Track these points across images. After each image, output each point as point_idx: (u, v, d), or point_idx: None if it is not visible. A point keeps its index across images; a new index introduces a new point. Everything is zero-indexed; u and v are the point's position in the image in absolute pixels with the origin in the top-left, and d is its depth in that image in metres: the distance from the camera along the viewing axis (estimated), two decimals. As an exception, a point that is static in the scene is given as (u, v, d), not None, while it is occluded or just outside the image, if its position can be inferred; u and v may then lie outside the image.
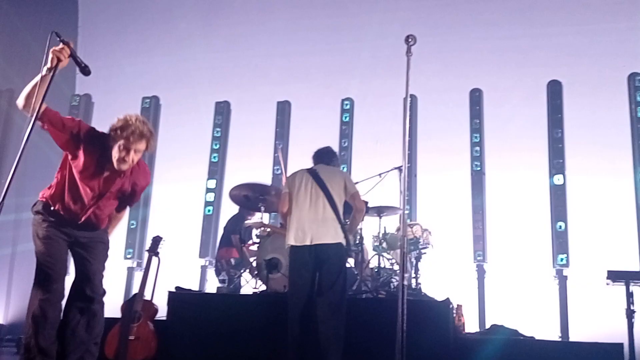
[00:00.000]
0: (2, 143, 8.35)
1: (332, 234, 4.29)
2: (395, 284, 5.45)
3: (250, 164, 7.83)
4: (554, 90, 7.13)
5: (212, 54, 8.45)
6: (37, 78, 2.97)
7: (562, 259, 6.63)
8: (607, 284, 5.29)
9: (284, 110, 8.10)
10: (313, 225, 4.29)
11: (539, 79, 7.20)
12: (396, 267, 5.80)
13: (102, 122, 7.67)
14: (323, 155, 4.77)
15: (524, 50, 7.39)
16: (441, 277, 6.11)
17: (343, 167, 7.47)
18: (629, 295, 5.12)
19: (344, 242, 4.36)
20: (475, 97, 7.40)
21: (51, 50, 2.87)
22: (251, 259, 5.67)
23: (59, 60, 2.90)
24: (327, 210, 4.34)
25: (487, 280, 6.85)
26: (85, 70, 3.01)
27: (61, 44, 2.88)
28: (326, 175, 4.54)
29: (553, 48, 7.20)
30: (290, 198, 4.53)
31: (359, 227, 5.29)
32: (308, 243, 4.26)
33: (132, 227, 7.98)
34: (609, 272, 5.25)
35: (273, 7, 8.45)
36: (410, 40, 3.44)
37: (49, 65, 2.90)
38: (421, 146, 7.36)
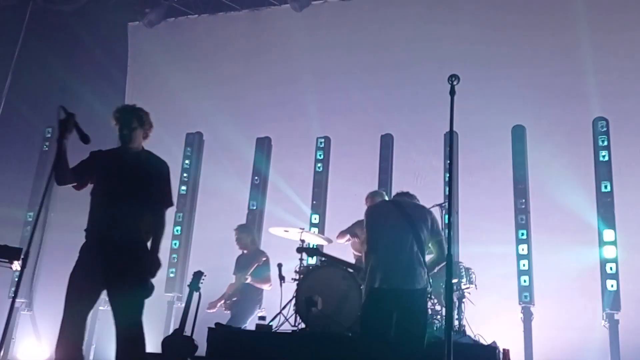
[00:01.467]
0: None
1: (419, 279, 3.93)
2: (438, 325, 5.30)
3: (289, 199, 7.87)
4: (599, 128, 6.95)
5: (253, 91, 8.62)
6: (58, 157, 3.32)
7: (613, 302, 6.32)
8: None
9: (323, 145, 8.16)
10: (399, 268, 3.92)
11: (583, 115, 7.05)
12: (438, 308, 5.66)
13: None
14: (409, 194, 4.46)
15: (568, 87, 7.27)
16: (485, 319, 5.90)
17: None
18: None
19: (429, 288, 4.04)
20: (518, 134, 7.28)
21: (59, 120, 3.29)
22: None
23: (66, 129, 3.31)
24: (415, 252, 3.97)
25: (535, 323, 6.58)
26: (86, 139, 3.36)
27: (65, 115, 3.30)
28: (413, 212, 4.19)
29: (598, 85, 7.05)
30: (370, 230, 4.18)
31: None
32: (391, 286, 3.90)
33: (173, 260, 8.07)
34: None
35: (312, 45, 8.60)
36: (453, 79, 3.45)
37: (58, 135, 3.32)
38: (463, 183, 7.25)
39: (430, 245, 4.14)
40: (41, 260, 7.45)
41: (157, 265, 3.43)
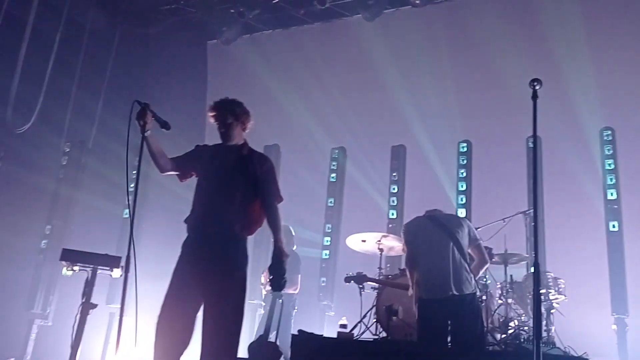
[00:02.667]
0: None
1: (467, 284, 4.07)
2: (525, 336, 5.14)
3: (366, 209, 7.88)
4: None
5: (328, 102, 8.74)
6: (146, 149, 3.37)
7: None
8: None
9: (399, 154, 8.12)
10: (445, 276, 4.07)
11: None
12: (525, 318, 5.49)
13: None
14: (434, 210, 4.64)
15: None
16: (576, 330, 5.65)
17: (461, 212, 7.29)
18: None
19: (477, 291, 4.16)
20: (606, 137, 6.93)
21: (136, 114, 3.30)
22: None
23: (144, 121, 3.30)
24: (458, 258, 4.12)
25: (629, 335, 6.21)
26: (166, 126, 3.40)
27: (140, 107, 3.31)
28: (448, 222, 4.39)
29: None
30: (410, 246, 4.41)
31: (483, 274, 5.09)
32: (440, 295, 4.04)
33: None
34: None
35: (385, 54, 8.61)
36: (535, 84, 3.37)
37: (140, 130, 3.32)
38: (548, 189, 6.98)
39: (470, 251, 4.25)
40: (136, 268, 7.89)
41: (285, 255, 3.29)
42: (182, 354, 3.21)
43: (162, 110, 3.61)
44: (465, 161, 7.65)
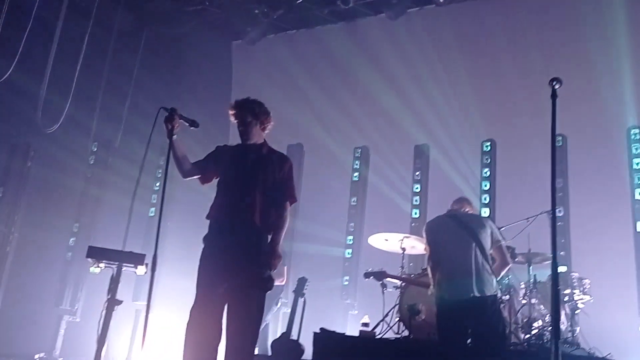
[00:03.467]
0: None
1: (488, 286, 4.01)
2: (549, 336, 5.08)
3: (389, 208, 7.86)
4: None
5: (352, 102, 8.74)
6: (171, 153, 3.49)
7: None
8: None
9: (422, 153, 8.09)
10: (467, 277, 4.02)
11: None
12: (549, 319, 5.42)
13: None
14: (458, 201, 4.63)
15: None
16: (602, 332, 5.56)
17: (485, 211, 7.22)
18: None
19: (499, 293, 4.13)
20: (634, 136, 6.78)
21: (163, 122, 3.44)
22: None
23: (172, 125, 3.45)
24: (480, 259, 4.06)
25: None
26: (195, 124, 3.54)
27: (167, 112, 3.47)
28: (470, 221, 4.36)
29: None
30: (432, 245, 4.39)
31: (506, 275, 5.03)
32: (462, 296, 4.01)
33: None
34: None
35: (410, 53, 8.57)
36: (554, 82, 3.32)
37: (167, 135, 3.47)
38: (574, 189, 6.87)
39: (491, 252, 4.19)
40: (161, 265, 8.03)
41: (278, 257, 3.39)
42: (217, 349, 3.29)
43: (187, 111, 3.70)
44: (489, 160, 7.57)
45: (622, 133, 6.89)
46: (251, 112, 3.59)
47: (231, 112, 3.63)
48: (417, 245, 6.05)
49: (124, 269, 4.30)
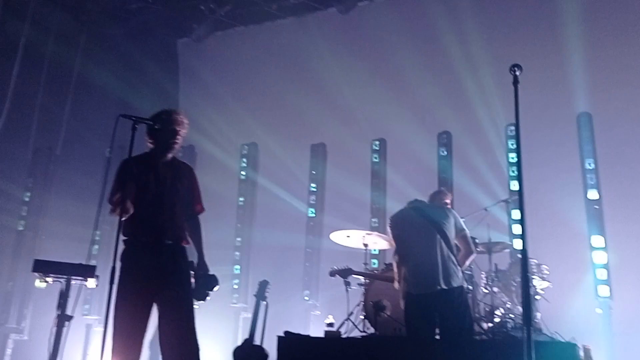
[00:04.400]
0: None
1: (455, 278, 4.03)
2: (512, 324, 5.12)
3: (347, 203, 7.79)
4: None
5: (304, 98, 8.60)
6: None
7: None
8: None
9: (379, 148, 8.05)
10: (434, 271, 4.01)
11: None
12: (509, 306, 5.47)
13: (204, 170, 7.97)
14: (436, 194, 4.61)
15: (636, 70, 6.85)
16: (562, 316, 5.66)
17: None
18: None
19: (465, 284, 4.13)
20: (585, 122, 6.94)
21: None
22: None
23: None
24: (445, 251, 4.07)
25: (615, 318, 6.24)
26: (155, 125, 3.45)
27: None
28: (434, 213, 4.33)
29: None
30: (398, 240, 4.35)
31: (468, 265, 5.04)
32: (429, 290, 4.00)
33: (236, 272, 8.16)
34: None
35: (361, 47, 8.52)
36: (515, 69, 3.31)
37: None
38: (529, 176, 6.95)
39: (456, 242, 4.21)
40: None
41: (206, 268, 3.49)
42: None
43: (131, 111, 3.53)
44: (445, 152, 7.60)
45: (572, 119, 7.03)
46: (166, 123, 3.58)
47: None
48: (379, 241, 5.99)
49: (73, 282, 4.07)
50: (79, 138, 8.23)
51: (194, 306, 3.34)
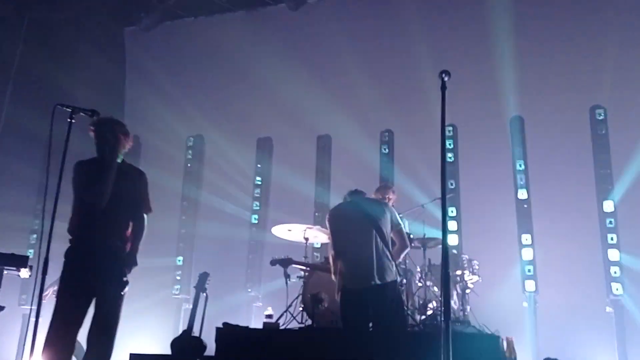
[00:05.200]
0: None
1: (389, 272, 4.09)
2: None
3: (291, 197, 7.90)
4: (595, 116, 7.00)
5: (252, 92, 8.64)
6: None
7: (617, 288, 6.38)
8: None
9: (324, 144, 8.19)
10: (368, 266, 4.06)
11: (581, 105, 7.07)
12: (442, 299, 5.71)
13: (149, 161, 7.83)
14: (379, 189, 4.71)
15: (566, 76, 7.23)
16: (490, 309, 5.95)
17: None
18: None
19: (398, 278, 4.21)
20: (517, 125, 7.30)
21: None
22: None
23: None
24: (380, 246, 4.13)
25: (540, 311, 6.63)
26: (96, 113, 3.56)
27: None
28: (371, 208, 4.41)
29: (595, 73, 7.04)
30: (334, 234, 4.46)
31: (403, 259, 5.23)
32: (364, 285, 4.06)
33: (178, 263, 8.15)
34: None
35: (309, 43, 8.60)
36: (444, 75, 3.47)
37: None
38: (464, 175, 7.28)
39: (391, 235, 4.29)
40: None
41: (134, 264, 3.64)
42: None
43: (75, 100, 3.57)
44: (387, 150, 7.82)
45: (505, 122, 7.39)
46: (111, 132, 3.67)
47: (91, 129, 3.66)
48: (319, 235, 6.12)
49: (5, 272, 4.02)
50: (18, 127, 7.98)
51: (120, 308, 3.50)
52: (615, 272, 6.43)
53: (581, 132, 7.03)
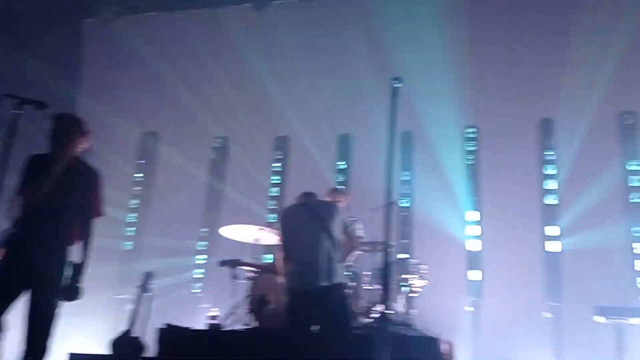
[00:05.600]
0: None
1: (336, 274, 4.15)
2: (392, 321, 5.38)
3: (245, 198, 7.85)
4: (545, 128, 7.19)
5: (211, 90, 8.55)
6: None
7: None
8: (597, 320, 5.29)
9: (282, 145, 8.14)
10: (315, 268, 4.11)
11: (531, 116, 7.25)
12: (390, 303, 5.74)
13: (103, 157, 7.67)
14: (330, 192, 4.74)
15: (518, 87, 7.40)
16: (436, 313, 6.04)
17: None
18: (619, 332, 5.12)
19: (345, 280, 4.26)
20: (471, 134, 7.46)
21: None
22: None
23: None
24: (329, 248, 4.17)
25: (483, 317, 6.78)
26: (42, 106, 3.42)
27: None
28: (321, 209, 4.44)
29: (545, 86, 7.24)
30: (284, 235, 4.44)
31: (352, 262, 5.26)
32: (311, 286, 4.10)
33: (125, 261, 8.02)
34: (598, 308, 5.26)
35: (272, 45, 8.57)
36: (396, 81, 3.52)
37: None
38: (419, 182, 7.41)
39: (341, 238, 4.35)
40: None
41: (83, 272, 3.53)
42: None
43: (29, 92, 3.48)
44: (344, 153, 7.87)
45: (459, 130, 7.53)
46: (66, 128, 3.67)
47: (48, 122, 3.64)
48: (270, 237, 6.09)
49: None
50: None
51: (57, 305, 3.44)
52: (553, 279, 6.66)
53: (529, 144, 7.20)
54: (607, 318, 5.41)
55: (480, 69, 7.42)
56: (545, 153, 7.21)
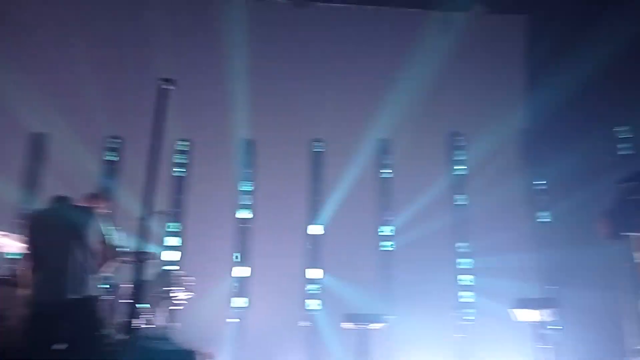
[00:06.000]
0: None
1: (87, 286, 3.88)
2: (150, 334, 5.20)
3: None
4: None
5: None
6: None
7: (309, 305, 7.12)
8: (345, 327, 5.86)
9: (247, 148, 7.66)
10: (64, 279, 3.80)
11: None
12: (152, 317, 5.55)
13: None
14: (66, 197, 4.37)
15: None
16: (201, 325, 6.05)
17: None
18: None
19: (98, 293, 3.99)
20: (244, 147, 7.64)
21: None
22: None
23: None
24: (79, 259, 3.89)
25: (249, 328, 6.96)
26: None
27: None
28: (75, 216, 4.10)
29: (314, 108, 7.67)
30: (31, 243, 3.98)
31: (111, 273, 4.95)
32: (57, 299, 3.76)
33: None
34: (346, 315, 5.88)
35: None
36: (165, 82, 3.44)
37: None
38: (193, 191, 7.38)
39: (96, 247, 4.12)
40: None
41: None
42: None
43: None
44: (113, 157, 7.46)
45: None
46: None
47: None
48: (14, 244, 5.41)
49: None
50: None
51: None
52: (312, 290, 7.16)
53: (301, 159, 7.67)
54: (355, 324, 6.00)
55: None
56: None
